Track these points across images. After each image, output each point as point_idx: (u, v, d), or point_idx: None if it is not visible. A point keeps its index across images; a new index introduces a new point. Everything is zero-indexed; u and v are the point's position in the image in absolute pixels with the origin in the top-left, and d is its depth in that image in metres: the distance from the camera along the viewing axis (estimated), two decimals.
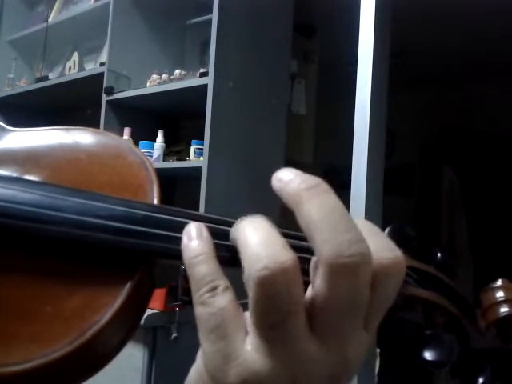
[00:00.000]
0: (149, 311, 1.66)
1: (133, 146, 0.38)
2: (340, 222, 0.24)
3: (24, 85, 2.87)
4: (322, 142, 3.03)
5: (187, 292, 1.78)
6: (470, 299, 0.37)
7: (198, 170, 1.90)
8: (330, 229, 0.24)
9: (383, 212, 1.10)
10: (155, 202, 0.34)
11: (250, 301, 0.25)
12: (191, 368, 0.29)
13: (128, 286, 0.30)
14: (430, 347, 0.32)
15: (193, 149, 2.05)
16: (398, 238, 0.35)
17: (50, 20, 2.76)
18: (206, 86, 1.91)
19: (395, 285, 0.26)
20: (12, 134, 0.40)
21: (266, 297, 0.24)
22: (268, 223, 0.27)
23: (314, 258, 0.25)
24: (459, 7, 2.40)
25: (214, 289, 0.26)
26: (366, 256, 0.24)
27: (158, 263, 0.32)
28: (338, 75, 2.45)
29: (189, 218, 0.30)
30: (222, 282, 0.27)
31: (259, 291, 0.24)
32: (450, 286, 0.36)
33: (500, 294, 0.37)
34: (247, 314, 0.27)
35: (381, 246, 0.26)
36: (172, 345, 1.70)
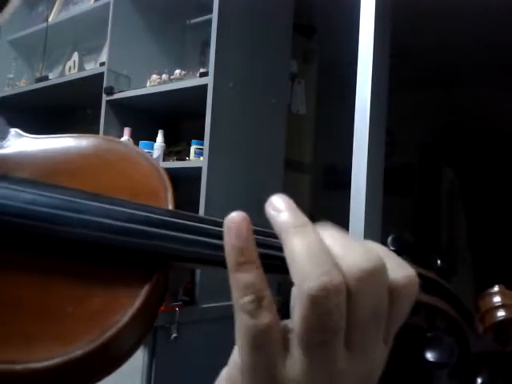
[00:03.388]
0: None
1: (146, 154, 0.39)
2: (348, 241, 0.26)
3: (24, 85, 2.87)
4: (322, 142, 3.03)
5: (187, 292, 1.78)
6: (469, 300, 0.38)
7: (198, 170, 1.90)
8: (346, 251, 0.26)
9: (383, 212, 1.10)
10: (170, 207, 0.35)
11: (300, 317, 0.25)
12: (222, 371, 0.29)
13: (146, 287, 0.31)
14: (432, 348, 0.33)
15: (193, 149, 2.05)
16: (398, 246, 0.37)
17: (49, 20, 2.76)
18: (206, 86, 1.91)
19: (410, 302, 0.28)
20: (28, 139, 0.41)
21: (318, 315, 0.24)
22: (316, 232, 0.27)
23: None
24: (459, 7, 2.40)
25: (260, 300, 0.26)
26: (380, 263, 0.26)
27: (174, 266, 0.33)
28: (338, 75, 2.45)
29: (208, 224, 0.31)
30: (268, 294, 0.26)
31: (313, 309, 0.24)
32: (450, 292, 0.38)
33: (497, 299, 0.38)
34: (285, 327, 0.27)
35: (396, 266, 0.28)
36: (172, 345, 1.70)
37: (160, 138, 2.18)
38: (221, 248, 0.28)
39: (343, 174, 1.26)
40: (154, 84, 2.18)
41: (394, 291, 0.27)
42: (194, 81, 2.01)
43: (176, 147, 2.25)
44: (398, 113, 2.40)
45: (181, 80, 2.10)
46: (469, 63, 3.24)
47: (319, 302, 0.24)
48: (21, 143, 0.40)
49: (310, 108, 2.58)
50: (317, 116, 2.69)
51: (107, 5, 2.34)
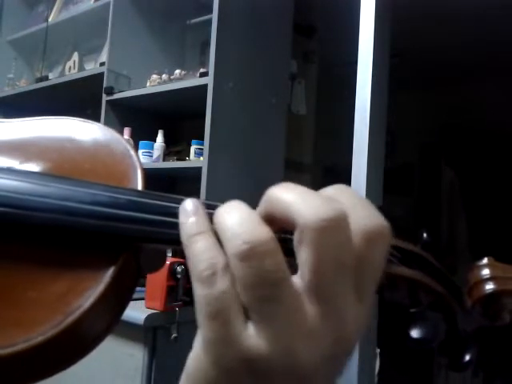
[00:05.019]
0: (149, 311, 1.66)
1: (117, 135, 0.38)
2: (308, 194, 0.26)
3: (24, 85, 2.87)
4: (322, 142, 3.03)
5: (187, 292, 1.78)
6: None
7: (198, 170, 1.90)
8: (302, 201, 0.26)
9: (383, 212, 1.10)
10: (139, 188, 0.34)
11: (240, 281, 0.25)
12: (188, 356, 0.28)
13: (111, 270, 0.30)
14: (416, 325, 0.32)
15: (193, 149, 2.05)
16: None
17: (50, 20, 2.76)
18: (206, 86, 1.91)
19: (382, 252, 0.27)
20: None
21: (251, 270, 0.24)
22: (243, 204, 0.27)
23: (295, 237, 0.26)
24: (459, 7, 2.40)
25: (213, 266, 0.26)
26: (340, 211, 0.25)
27: (144, 248, 0.32)
28: (338, 75, 2.45)
29: (172, 202, 0.30)
30: (221, 259, 0.26)
31: (244, 266, 0.24)
32: (434, 266, 0.36)
33: (485, 272, 0.37)
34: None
35: (366, 214, 0.27)
36: (172, 345, 1.69)
37: (160, 137, 2.18)
38: None
39: (343, 174, 1.26)
40: (154, 84, 2.18)
41: (363, 241, 0.26)
42: (194, 81, 2.01)
43: (176, 147, 2.25)
44: (398, 113, 2.40)
45: (181, 80, 2.10)
46: (469, 63, 3.24)
47: (245, 256, 0.24)
48: None
49: (310, 108, 2.58)
50: (317, 116, 2.69)
51: (107, 5, 2.34)
